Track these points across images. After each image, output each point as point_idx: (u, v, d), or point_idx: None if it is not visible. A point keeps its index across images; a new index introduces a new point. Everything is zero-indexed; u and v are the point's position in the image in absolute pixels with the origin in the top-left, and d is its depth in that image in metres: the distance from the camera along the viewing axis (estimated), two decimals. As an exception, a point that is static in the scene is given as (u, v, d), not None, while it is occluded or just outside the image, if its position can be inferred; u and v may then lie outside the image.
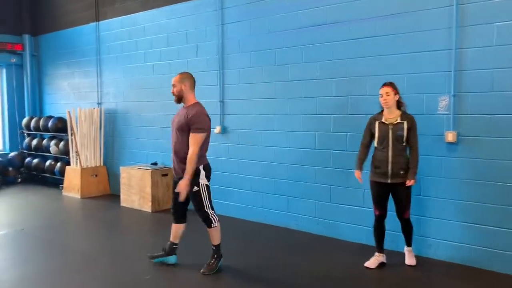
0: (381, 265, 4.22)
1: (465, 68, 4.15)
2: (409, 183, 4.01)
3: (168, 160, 6.85)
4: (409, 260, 4.26)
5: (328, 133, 5.10)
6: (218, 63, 6.11)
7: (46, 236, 5.16)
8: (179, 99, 4.07)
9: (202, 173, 3.98)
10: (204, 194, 3.98)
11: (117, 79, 7.65)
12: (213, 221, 4.02)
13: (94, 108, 7.86)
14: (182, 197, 3.89)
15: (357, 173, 4.28)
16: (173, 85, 4.09)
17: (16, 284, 3.83)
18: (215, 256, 4.09)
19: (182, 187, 3.84)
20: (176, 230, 4.23)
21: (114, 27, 7.61)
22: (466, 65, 4.14)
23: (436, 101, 4.31)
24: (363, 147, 4.26)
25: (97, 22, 7.87)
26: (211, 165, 4.14)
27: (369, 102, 4.74)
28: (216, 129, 6.13)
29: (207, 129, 3.95)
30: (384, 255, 4.27)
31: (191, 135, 3.87)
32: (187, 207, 4.18)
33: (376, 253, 4.26)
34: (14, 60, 9.23)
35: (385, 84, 4.09)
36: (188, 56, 6.48)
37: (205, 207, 4.00)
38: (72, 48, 8.48)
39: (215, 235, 4.08)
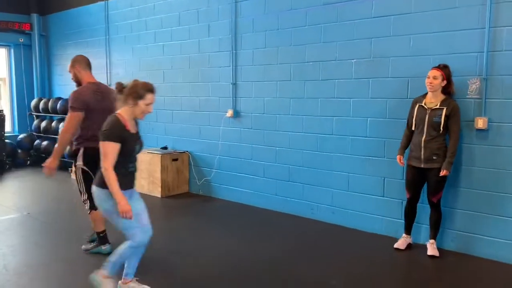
0: (409, 246, 4.20)
1: (499, 48, 3.82)
2: (442, 173, 3.86)
3: (178, 144, 6.65)
4: (432, 250, 4.02)
5: (347, 118, 4.81)
6: (231, 44, 5.82)
7: (51, 221, 5.01)
8: (78, 82, 4.05)
9: (81, 156, 3.92)
10: (80, 178, 3.96)
11: (126, 60, 7.42)
12: (86, 207, 4.01)
13: (103, 90, 7.64)
14: (45, 172, 3.84)
15: (398, 158, 4.21)
16: (69, 72, 4.08)
17: (19, 272, 3.68)
18: (97, 241, 4.06)
19: (47, 163, 3.83)
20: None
21: (123, 5, 7.32)
22: (501, 45, 3.81)
23: (466, 84, 4.00)
24: (407, 131, 4.17)
25: (106, 1, 7.60)
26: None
27: (392, 85, 4.44)
28: (228, 113, 5.89)
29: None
30: (411, 237, 4.23)
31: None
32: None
33: (404, 235, 4.22)
34: (22, 40, 9.03)
35: (436, 67, 3.90)
36: (200, 36, 6.20)
37: (80, 190, 4.00)
38: (81, 27, 8.24)
39: (92, 221, 4.04)
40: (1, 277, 3.57)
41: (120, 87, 3.00)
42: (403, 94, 4.36)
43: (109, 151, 2.86)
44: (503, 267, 3.80)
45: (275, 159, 5.51)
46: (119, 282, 3.21)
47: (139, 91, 2.93)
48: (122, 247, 3.07)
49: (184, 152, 6.52)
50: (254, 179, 5.75)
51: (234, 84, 5.86)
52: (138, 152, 3.12)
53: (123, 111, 3.00)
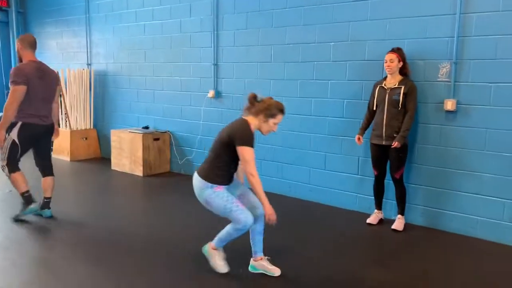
0: (380, 221, 4.45)
1: (469, 34, 4.02)
2: (394, 145, 4.09)
3: (160, 124, 6.72)
4: (396, 225, 4.27)
5: (325, 99, 4.98)
6: (213, 24, 5.88)
7: (34, 199, 5.06)
8: (20, 59, 4.26)
9: (17, 128, 4.11)
10: (7, 147, 4.15)
11: (107, 39, 7.39)
12: (5, 173, 4.26)
13: (83, 69, 7.62)
14: None
15: (356, 138, 4.47)
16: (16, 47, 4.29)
17: (6, 247, 3.76)
18: (22, 203, 4.35)
19: None
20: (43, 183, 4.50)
21: (103, -17, 7.27)
22: (470, 31, 4.01)
23: (436, 68, 4.20)
24: (367, 113, 4.41)
25: (85, -22, 7.53)
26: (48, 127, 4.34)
27: (368, 68, 4.61)
28: (210, 94, 5.98)
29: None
30: (382, 212, 4.50)
31: None
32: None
33: (376, 210, 4.49)
34: (-1, 17, 8.86)
35: (391, 51, 4.17)
36: (181, 16, 6.23)
37: (2, 158, 4.22)
38: (60, 5, 8.13)
39: (14, 185, 4.33)
40: (-13, 250, 3.65)
41: (253, 99, 3.11)
42: (378, 77, 4.52)
43: (250, 156, 2.99)
44: (463, 240, 4.07)
45: (255, 139, 5.63)
46: (251, 259, 3.36)
47: (272, 110, 3.06)
48: (229, 227, 3.17)
49: (165, 132, 6.60)
50: (234, 158, 5.88)
51: (216, 65, 5.94)
52: None
53: (252, 120, 3.10)
